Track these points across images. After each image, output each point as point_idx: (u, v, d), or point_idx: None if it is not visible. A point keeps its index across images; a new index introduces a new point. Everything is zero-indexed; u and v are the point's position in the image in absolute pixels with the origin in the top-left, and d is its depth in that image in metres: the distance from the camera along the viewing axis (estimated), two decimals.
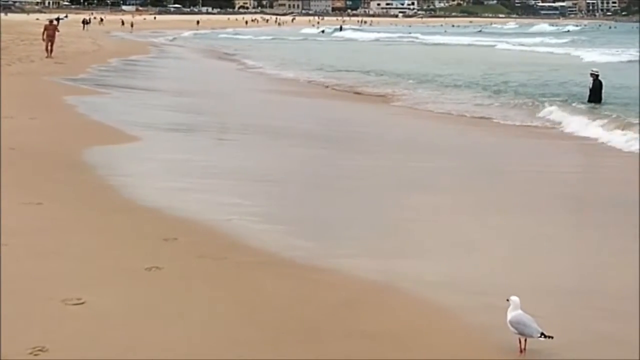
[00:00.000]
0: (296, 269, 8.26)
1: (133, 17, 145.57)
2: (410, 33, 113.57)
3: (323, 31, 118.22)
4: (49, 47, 38.64)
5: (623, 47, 63.17)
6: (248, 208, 10.78)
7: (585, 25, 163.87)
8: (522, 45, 74.86)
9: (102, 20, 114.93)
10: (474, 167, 14.95)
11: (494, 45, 74.35)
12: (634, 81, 31.45)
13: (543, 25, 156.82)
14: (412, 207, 11.60)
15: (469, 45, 78.23)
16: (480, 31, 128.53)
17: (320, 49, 66.21)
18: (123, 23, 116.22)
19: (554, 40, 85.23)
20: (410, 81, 34.07)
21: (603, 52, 56.09)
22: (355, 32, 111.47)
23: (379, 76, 37.05)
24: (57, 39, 39.90)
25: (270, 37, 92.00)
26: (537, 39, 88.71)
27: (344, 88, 31.92)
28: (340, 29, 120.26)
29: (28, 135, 15.37)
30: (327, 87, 32.43)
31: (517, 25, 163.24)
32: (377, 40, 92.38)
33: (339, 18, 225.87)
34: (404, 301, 7.42)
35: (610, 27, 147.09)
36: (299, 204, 11.62)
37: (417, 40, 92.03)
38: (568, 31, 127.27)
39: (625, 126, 18.93)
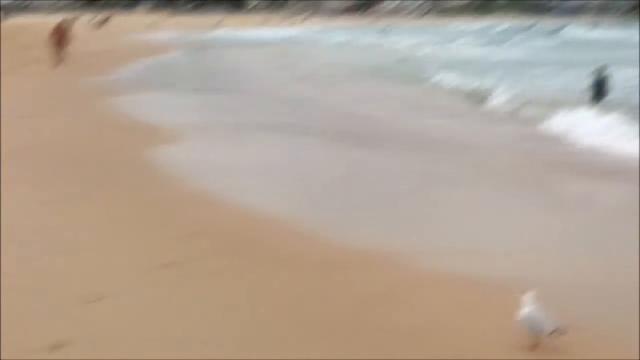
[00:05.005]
0: (318, 265, 8.32)
1: (126, 16, 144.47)
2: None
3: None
4: (59, 53, 34.15)
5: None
6: (270, 205, 10.85)
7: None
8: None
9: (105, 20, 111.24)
10: None
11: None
12: None
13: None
14: (435, 200, 11.73)
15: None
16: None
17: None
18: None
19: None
20: None
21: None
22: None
23: None
24: (70, 42, 35.62)
25: None
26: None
27: None
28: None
29: (52, 135, 15.67)
30: None
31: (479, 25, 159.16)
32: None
33: (350, 18, 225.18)
34: (424, 297, 7.47)
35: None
36: (322, 200, 11.68)
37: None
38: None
39: None
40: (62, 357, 5.83)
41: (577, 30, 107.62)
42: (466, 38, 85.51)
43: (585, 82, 25.08)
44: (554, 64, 43.28)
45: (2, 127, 15.53)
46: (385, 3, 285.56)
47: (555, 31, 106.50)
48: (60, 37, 34.82)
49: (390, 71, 38.31)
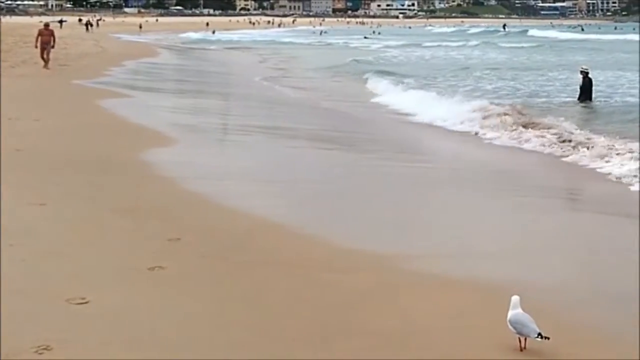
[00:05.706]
0: (301, 268, 8.27)
1: (114, 18, 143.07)
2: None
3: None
4: (46, 56, 33.15)
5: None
6: (252, 208, 10.83)
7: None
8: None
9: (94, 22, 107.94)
10: None
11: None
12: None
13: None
14: (417, 202, 11.72)
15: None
16: None
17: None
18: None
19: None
20: None
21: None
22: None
23: None
24: (56, 45, 34.80)
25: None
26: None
27: None
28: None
29: (40, 137, 15.62)
30: None
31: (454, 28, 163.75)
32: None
33: (340, 19, 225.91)
34: (408, 300, 7.42)
35: (615, 28, 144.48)
36: (304, 203, 11.65)
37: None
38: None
39: None
40: (48, 359, 5.79)
41: (541, 31, 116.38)
42: (438, 40, 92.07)
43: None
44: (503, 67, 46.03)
45: None
46: (373, 5, 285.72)
47: (523, 32, 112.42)
48: (46, 38, 33.83)
49: (339, 70, 43.61)
